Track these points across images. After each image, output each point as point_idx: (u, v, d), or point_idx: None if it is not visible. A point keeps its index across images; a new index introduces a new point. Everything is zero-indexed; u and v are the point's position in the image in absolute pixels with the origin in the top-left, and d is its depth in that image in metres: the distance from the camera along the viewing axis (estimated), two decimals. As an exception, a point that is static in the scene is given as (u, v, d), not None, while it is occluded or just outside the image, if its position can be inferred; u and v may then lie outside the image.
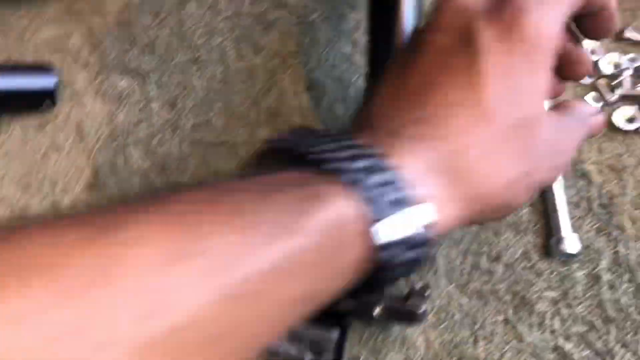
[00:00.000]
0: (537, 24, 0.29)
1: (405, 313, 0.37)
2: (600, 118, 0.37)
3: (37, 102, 0.45)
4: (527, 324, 0.40)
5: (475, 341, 0.39)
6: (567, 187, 0.43)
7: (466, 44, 0.29)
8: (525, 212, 0.42)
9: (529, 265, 0.41)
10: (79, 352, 0.18)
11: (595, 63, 0.46)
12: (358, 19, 0.49)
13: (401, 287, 0.40)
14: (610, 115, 0.45)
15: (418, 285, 0.38)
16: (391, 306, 0.37)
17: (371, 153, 0.27)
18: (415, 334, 0.39)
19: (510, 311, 0.40)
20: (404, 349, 0.39)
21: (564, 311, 0.40)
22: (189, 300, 0.21)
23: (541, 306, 0.40)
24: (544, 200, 0.43)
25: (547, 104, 0.34)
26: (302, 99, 0.47)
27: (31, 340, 0.18)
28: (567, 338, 0.39)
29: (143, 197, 0.24)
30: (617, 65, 0.46)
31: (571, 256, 0.41)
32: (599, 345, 0.39)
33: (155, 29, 0.49)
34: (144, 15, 0.49)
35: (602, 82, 0.46)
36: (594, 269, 0.41)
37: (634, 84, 0.46)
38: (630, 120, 0.45)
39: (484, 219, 0.32)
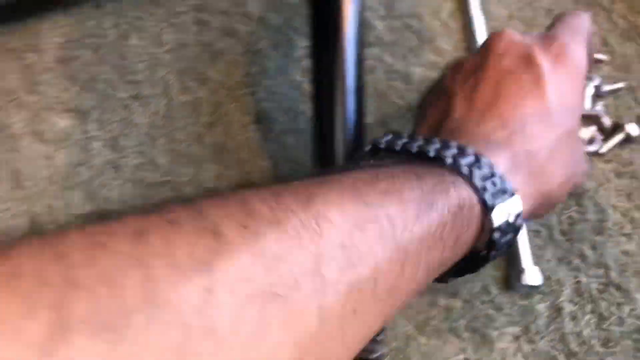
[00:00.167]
0: (576, 55, 0.36)
1: None
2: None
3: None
4: (488, 363, 0.38)
5: (435, 383, 0.38)
6: (525, 215, 0.42)
7: (529, 66, 0.35)
8: (483, 243, 0.41)
9: (488, 299, 0.40)
10: (312, 290, 0.22)
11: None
12: (308, 46, 0.48)
13: (355, 330, 0.39)
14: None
15: (371, 329, 0.37)
16: (343, 353, 0.36)
17: (471, 152, 0.31)
18: (371, 379, 0.38)
19: (470, 350, 0.39)
20: (360, 395, 0.38)
21: (526, 347, 0.39)
22: (370, 258, 0.24)
23: (502, 343, 0.39)
24: (502, 230, 0.42)
25: None
26: (249, 132, 0.45)
27: (282, 276, 0.21)
28: (530, 376, 0.38)
29: (314, 177, 0.27)
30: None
31: (533, 288, 0.39)
32: (563, 381, 0.38)
33: (96, 65, 0.47)
34: (83, 51, 0.48)
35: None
36: (555, 300, 0.40)
37: (593, 104, 0.45)
38: (590, 141, 0.44)
39: (535, 214, 0.35)
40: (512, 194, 0.31)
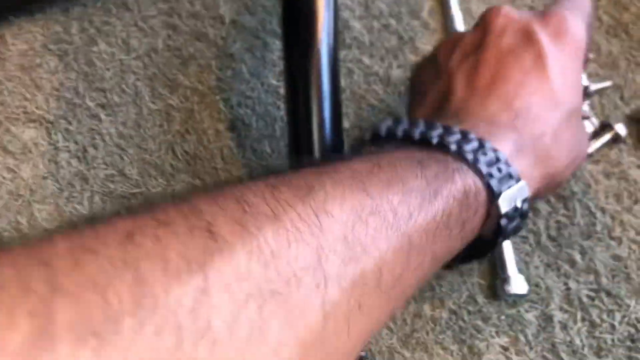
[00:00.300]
0: (576, 30, 0.35)
1: (341, 377, 0.34)
2: None
3: None
4: (476, 376, 0.37)
5: (421, 399, 0.37)
6: (512, 220, 0.41)
7: (529, 43, 0.34)
8: (468, 250, 0.40)
9: (475, 309, 0.39)
10: (312, 287, 0.21)
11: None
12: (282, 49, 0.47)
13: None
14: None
15: (353, 345, 0.35)
16: (324, 370, 0.34)
17: (475, 137, 0.30)
18: (354, 396, 0.37)
19: (457, 363, 0.37)
20: (343, 414, 0.36)
21: (515, 358, 0.37)
22: (374, 249, 0.24)
23: (490, 355, 0.37)
24: (487, 236, 0.40)
25: None
26: (223, 139, 0.44)
27: (281, 273, 0.21)
28: (520, 389, 0.37)
29: (312, 167, 0.26)
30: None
31: (520, 297, 0.38)
32: (554, 393, 0.37)
33: (62, 72, 0.45)
34: (48, 58, 0.46)
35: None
36: (545, 309, 0.38)
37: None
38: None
39: (544, 194, 0.35)
40: (518, 180, 0.30)
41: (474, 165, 0.29)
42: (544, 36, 0.34)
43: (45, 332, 0.16)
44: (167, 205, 0.21)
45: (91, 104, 0.45)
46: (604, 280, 0.39)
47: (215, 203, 0.22)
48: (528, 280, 0.39)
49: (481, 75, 0.34)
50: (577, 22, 0.35)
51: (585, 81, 0.43)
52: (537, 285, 0.39)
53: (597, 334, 0.38)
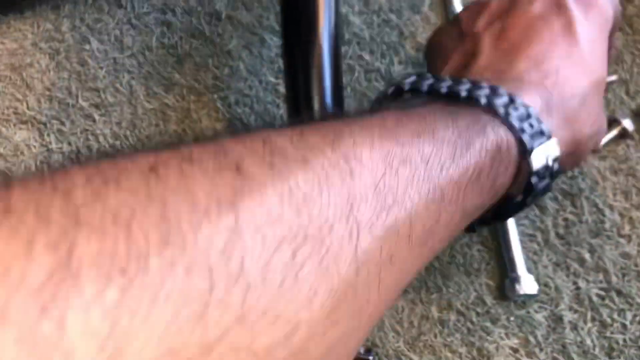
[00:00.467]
0: (604, 5, 0.35)
1: (348, 382, 0.34)
2: None
3: None
4: (486, 379, 0.37)
5: (430, 404, 0.36)
6: (520, 219, 0.40)
7: (559, 11, 0.34)
8: (475, 251, 0.40)
9: (483, 311, 0.38)
10: (345, 235, 0.21)
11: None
12: (281, 45, 0.46)
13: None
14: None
15: (362, 350, 0.35)
16: (332, 376, 0.34)
17: (504, 92, 0.30)
18: (362, 402, 0.36)
19: (467, 366, 0.37)
20: (350, 420, 0.36)
21: (525, 360, 0.37)
22: (404, 200, 0.23)
23: (500, 357, 0.37)
24: (495, 236, 0.40)
25: None
26: (222, 139, 0.43)
27: (314, 218, 0.20)
28: (531, 391, 0.36)
29: (340, 119, 0.25)
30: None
31: (529, 297, 0.38)
32: (565, 395, 0.36)
33: (53, 72, 0.45)
34: (39, 57, 0.45)
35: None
36: (554, 309, 0.38)
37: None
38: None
39: (565, 165, 0.34)
40: (550, 137, 0.30)
41: (505, 119, 0.29)
42: (573, 5, 0.34)
43: (68, 268, 0.15)
44: (191, 144, 0.20)
45: (84, 104, 0.44)
46: (614, 279, 0.39)
47: (242, 144, 0.21)
48: (537, 279, 0.38)
49: (510, 37, 0.34)
50: None
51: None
52: (546, 285, 0.39)
53: (608, 334, 0.37)
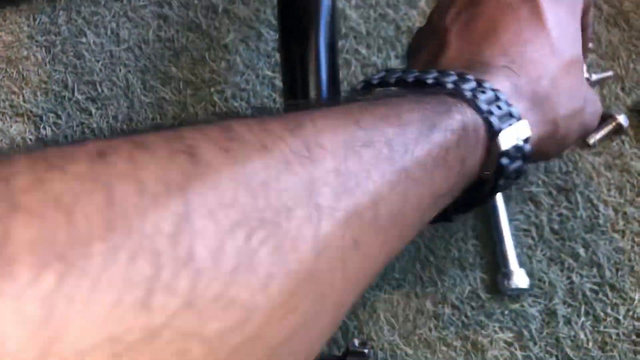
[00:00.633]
0: None
1: (344, 375, 0.35)
2: None
3: None
4: (480, 372, 0.37)
5: (425, 397, 0.37)
6: (514, 214, 0.41)
7: (526, 0, 0.35)
8: (470, 245, 0.40)
9: (478, 305, 0.39)
10: (306, 218, 0.21)
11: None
12: (278, 39, 0.46)
13: (339, 344, 0.38)
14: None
15: (356, 342, 0.35)
16: (327, 369, 0.35)
17: (472, 78, 0.31)
18: (357, 394, 0.37)
19: (461, 359, 0.38)
20: (346, 412, 0.37)
21: (519, 354, 0.38)
22: (367, 183, 0.23)
23: (494, 351, 0.38)
24: (490, 231, 0.41)
25: None
26: (218, 133, 0.44)
27: (272, 202, 0.20)
28: (524, 385, 0.37)
29: (302, 108, 0.26)
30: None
31: (522, 291, 0.39)
32: (559, 389, 0.37)
33: (49, 65, 0.45)
34: (35, 50, 0.46)
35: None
36: (548, 303, 0.39)
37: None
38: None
39: (547, 150, 0.35)
40: (519, 118, 0.31)
41: (473, 103, 0.30)
42: None
43: (3, 255, 0.15)
44: (146, 130, 0.20)
45: (81, 97, 0.44)
46: (607, 274, 0.40)
47: (199, 131, 0.21)
48: (531, 274, 0.39)
49: (476, 26, 0.35)
50: None
51: (585, 72, 0.44)
52: (540, 280, 0.39)
53: (601, 328, 0.38)
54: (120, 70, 0.45)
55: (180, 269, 0.17)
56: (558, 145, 0.36)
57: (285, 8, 0.40)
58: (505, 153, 0.30)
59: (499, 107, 0.30)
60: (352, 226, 0.23)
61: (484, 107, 0.30)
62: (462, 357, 0.38)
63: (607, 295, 0.39)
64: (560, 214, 0.41)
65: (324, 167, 0.22)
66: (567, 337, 0.38)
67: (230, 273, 0.18)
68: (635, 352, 0.37)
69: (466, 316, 0.39)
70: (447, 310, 0.39)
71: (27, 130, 0.43)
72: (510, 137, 0.30)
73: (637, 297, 0.39)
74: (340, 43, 0.46)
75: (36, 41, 0.46)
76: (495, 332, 0.38)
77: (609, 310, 0.39)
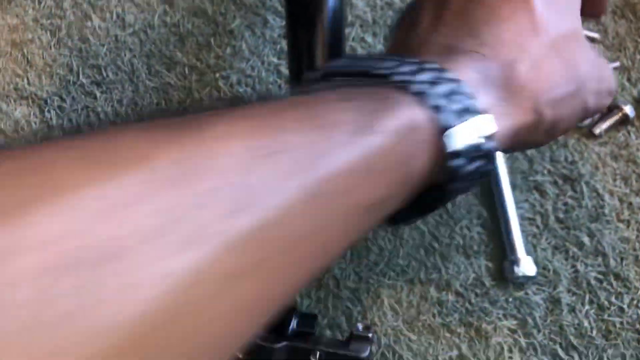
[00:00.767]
0: None
1: (348, 359, 0.35)
2: None
3: None
4: (484, 359, 0.37)
5: (428, 382, 0.37)
6: (519, 202, 0.41)
7: None
8: (475, 232, 0.41)
9: (482, 292, 0.39)
10: (169, 246, 0.18)
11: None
12: (284, 25, 0.47)
13: (342, 329, 0.38)
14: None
15: (360, 327, 0.36)
16: (330, 352, 0.35)
17: (432, 67, 0.28)
18: (360, 379, 0.37)
19: (465, 345, 0.38)
20: (348, 397, 0.37)
21: (523, 342, 0.38)
22: (274, 197, 0.21)
23: (498, 338, 0.38)
24: (495, 218, 0.41)
25: None
26: (223, 119, 0.44)
27: (122, 230, 0.18)
28: (528, 372, 0.37)
29: (221, 107, 0.24)
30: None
31: (528, 279, 0.39)
32: (562, 376, 0.37)
33: (54, 49, 0.45)
34: (40, 33, 0.46)
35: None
36: (552, 291, 0.39)
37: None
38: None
39: (534, 139, 0.32)
40: (480, 112, 0.28)
41: (421, 97, 0.26)
42: None
43: None
44: (21, 145, 0.19)
45: (85, 81, 0.44)
46: (612, 263, 0.40)
47: (65, 146, 0.19)
48: (535, 262, 0.39)
49: (450, 4, 0.32)
50: None
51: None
52: (544, 268, 0.40)
53: (605, 316, 0.38)
54: (125, 54, 0.46)
55: None
56: (548, 134, 0.32)
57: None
58: (459, 153, 0.27)
59: (455, 101, 0.27)
60: (247, 248, 0.20)
61: (434, 101, 0.26)
62: (466, 344, 0.38)
63: (611, 284, 0.39)
64: (565, 203, 0.42)
65: (214, 180, 0.20)
66: (571, 325, 0.38)
67: (56, 324, 0.16)
68: (639, 341, 0.38)
69: (470, 303, 0.39)
70: (451, 297, 0.39)
71: (32, 113, 0.43)
72: (465, 134, 0.27)
73: (641, 286, 0.39)
74: (346, 31, 0.47)
75: (41, 24, 0.46)
76: (499, 319, 0.38)
77: (613, 299, 0.39)
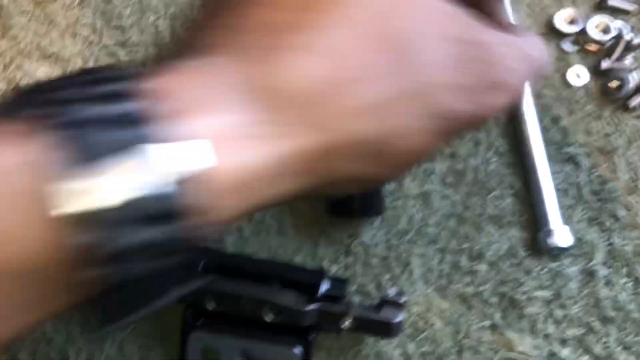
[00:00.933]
0: None
1: (379, 324, 0.34)
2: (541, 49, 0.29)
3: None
4: (518, 329, 0.37)
5: (460, 352, 0.36)
6: (553, 173, 0.40)
7: None
8: (508, 202, 0.40)
9: (515, 262, 0.38)
10: None
11: (582, 31, 0.43)
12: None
13: (371, 296, 0.37)
14: (602, 86, 0.42)
15: (392, 292, 0.35)
16: (362, 317, 0.34)
17: (114, 76, 0.20)
18: (390, 347, 0.36)
19: (498, 315, 0.37)
20: (378, 365, 0.36)
21: (558, 313, 0.37)
22: None
23: (532, 308, 0.37)
24: (528, 188, 0.40)
25: None
26: (250, 83, 0.43)
27: None
28: (563, 343, 0.36)
29: None
30: (605, 30, 0.43)
31: (563, 250, 0.38)
32: (598, 349, 0.36)
33: (77, 9, 0.44)
34: (63, -7, 0.45)
35: (592, 47, 0.43)
36: (587, 263, 0.38)
37: (622, 58, 0.43)
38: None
39: (352, 172, 0.22)
40: (178, 140, 0.19)
41: (46, 125, 0.18)
42: None
43: None
44: None
45: (109, 42, 0.44)
46: (649, 236, 0.39)
47: None
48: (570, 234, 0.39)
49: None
50: None
51: (628, 34, 0.43)
52: (579, 240, 0.39)
53: (642, 290, 0.38)
54: (149, 17, 0.45)
55: None
56: (384, 160, 0.23)
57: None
58: (82, 219, 0.17)
59: (119, 129, 0.18)
60: None
61: (64, 132, 0.18)
62: (499, 314, 0.37)
63: (648, 258, 0.38)
64: (599, 176, 0.41)
65: None
66: (608, 297, 0.37)
67: None
68: (678, 313, 0.37)
69: (503, 273, 0.38)
70: (484, 266, 0.38)
71: (54, 72, 0.43)
72: (105, 184, 0.17)
73: (680, 259, 0.38)
74: None
75: (64, -15, 0.45)
76: (534, 289, 0.37)
77: (650, 272, 0.38)
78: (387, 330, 0.34)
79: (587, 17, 0.44)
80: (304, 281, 0.35)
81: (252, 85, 0.21)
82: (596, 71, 0.43)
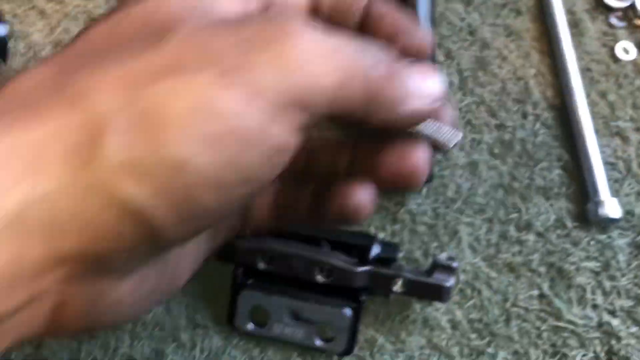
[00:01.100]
0: None
1: (430, 288, 0.34)
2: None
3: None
4: (566, 299, 0.37)
5: (508, 320, 0.36)
6: (601, 147, 0.40)
7: None
8: (555, 174, 0.40)
9: (563, 233, 0.38)
10: None
11: (631, 5, 0.43)
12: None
13: (419, 263, 0.37)
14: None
15: (444, 256, 0.35)
16: (413, 280, 0.34)
17: None
18: (439, 313, 0.36)
19: (546, 285, 0.37)
20: (426, 330, 0.36)
21: (606, 284, 0.37)
22: None
23: (580, 279, 0.37)
24: (576, 161, 0.40)
25: None
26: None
27: None
28: (612, 313, 0.36)
29: None
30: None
31: (612, 221, 0.38)
32: (647, 321, 0.36)
33: (123, -26, 0.45)
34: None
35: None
36: (636, 237, 0.38)
37: None
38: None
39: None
40: None
41: None
42: None
43: None
44: None
45: (156, 7, 0.44)
46: (698, 211, 0.39)
47: None
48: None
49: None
50: None
51: None
52: (628, 213, 0.39)
53: (691, 264, 0.38)
54: None
55: None
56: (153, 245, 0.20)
57: None
58: None
59: None
60: None
61: None
62: (547, 283, 0.37)
63: (697, 232, 0.38)
64: (648, 150, 0.41)
65: None
66: (656, 270, 0.37)
67: None
68: None
69: (551, 244, 0.38)
70: (532, 237, 0.38)
71: (100, 36, 0.43)
72: None
73: None
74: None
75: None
76: (582, 260, 0.37)
77: (700, 247, 0.38)
78: (438, 294, 0.34)
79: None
80: (355, 244, 0.35)
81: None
82: (646, 46, 0.43)
